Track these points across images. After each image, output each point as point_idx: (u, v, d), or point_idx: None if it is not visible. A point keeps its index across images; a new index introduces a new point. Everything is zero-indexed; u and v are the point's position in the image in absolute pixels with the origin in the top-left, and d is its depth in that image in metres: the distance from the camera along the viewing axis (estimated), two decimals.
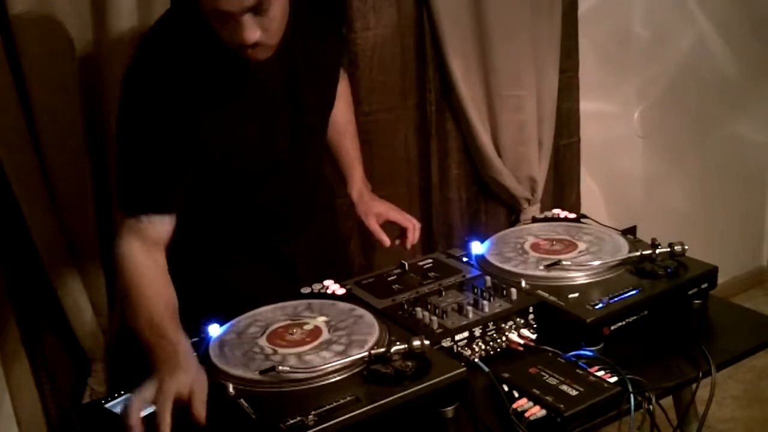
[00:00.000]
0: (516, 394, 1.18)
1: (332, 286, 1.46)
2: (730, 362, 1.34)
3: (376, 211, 1.73)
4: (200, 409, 1.16)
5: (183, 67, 1.34)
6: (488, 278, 1.46)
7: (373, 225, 1.71)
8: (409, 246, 1.69)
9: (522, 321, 1.35)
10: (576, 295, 1.37)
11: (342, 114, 1.74)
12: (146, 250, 1.36)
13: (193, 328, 1.33)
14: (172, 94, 1.33)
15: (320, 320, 1.33)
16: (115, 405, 1.32)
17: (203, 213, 1.51)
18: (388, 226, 1.73)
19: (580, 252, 1.52)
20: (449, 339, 1.28)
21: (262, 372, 1.16)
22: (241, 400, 1.12)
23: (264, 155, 1.47)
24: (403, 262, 1.58)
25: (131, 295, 1.33)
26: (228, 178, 1.46)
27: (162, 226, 1.38)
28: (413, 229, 1.71)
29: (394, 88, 2.12)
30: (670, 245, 1.47)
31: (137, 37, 1.62)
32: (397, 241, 1.73)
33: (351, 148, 1.78)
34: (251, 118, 1.42)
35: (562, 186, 2.55)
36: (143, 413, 1.24)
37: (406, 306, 1.39)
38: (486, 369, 1.25)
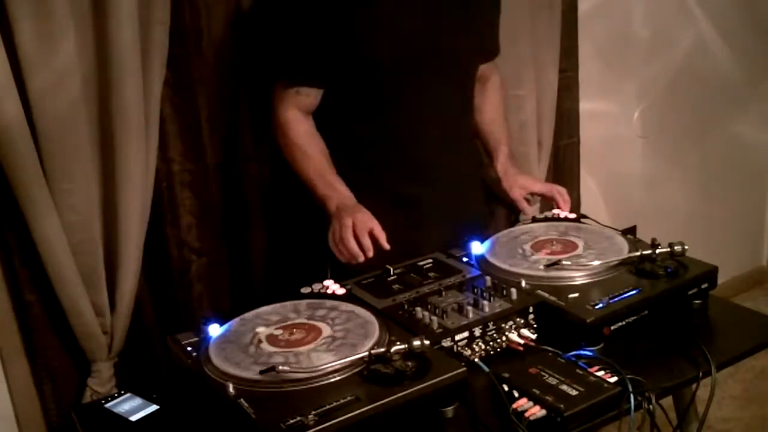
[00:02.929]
0: (516, 394, 1.18)
1: (332, 286, 1.46)
2: (730, 362, 1.34)
3: (520, 184, 1.90)
4: (382, 234, 1.53)
5: None
6: (488, 278, 1.46)
7: (517, 195, 1.89)
8: (567, 209, 1.78)
9: (522, 321, 1.35)
10: (576, 295, 1.37)
11: (492, 104, 1.96)
12: (303, 116, 1.71)
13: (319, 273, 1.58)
14: None
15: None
16: (116, 405, 1.32)
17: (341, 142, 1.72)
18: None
19: (580, 252, 1.52)
20: (449, 339, 1.28)
21: (262, 372, 1.16)
22: (241, 400, 1.12)
23: (403, 46, 1.64)
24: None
25: (299, 155, 1.68)
26: (372, 68, 1.64)
27: (311, 98, 1.70)
28: (560, 196, 1.83)
29: None
30: (670, 245, 1.47)
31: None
32: (555, 211, 1.79)
33: (497, 132, 1.96)
34: (392, 9, 1.62)
35: (562, 186, 2.54)
36: (142, 414, 1.24)
37: (406, 306, 1.39)
38: (486, 369, 1.25)
